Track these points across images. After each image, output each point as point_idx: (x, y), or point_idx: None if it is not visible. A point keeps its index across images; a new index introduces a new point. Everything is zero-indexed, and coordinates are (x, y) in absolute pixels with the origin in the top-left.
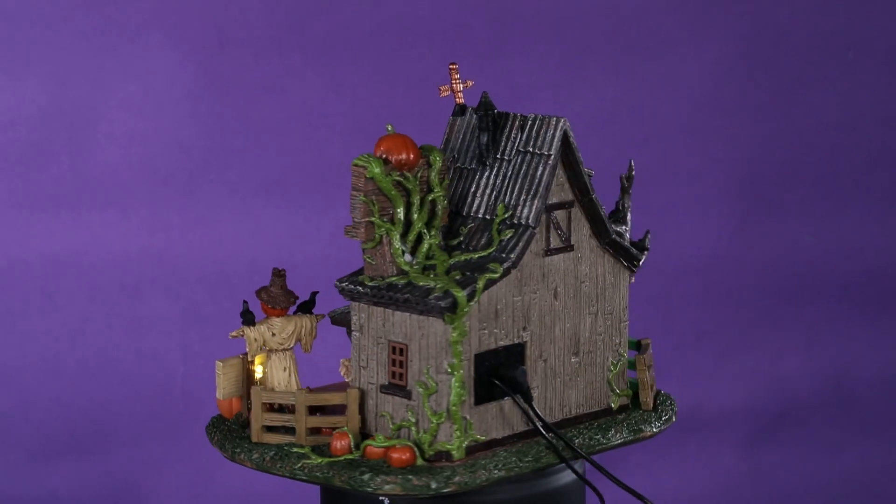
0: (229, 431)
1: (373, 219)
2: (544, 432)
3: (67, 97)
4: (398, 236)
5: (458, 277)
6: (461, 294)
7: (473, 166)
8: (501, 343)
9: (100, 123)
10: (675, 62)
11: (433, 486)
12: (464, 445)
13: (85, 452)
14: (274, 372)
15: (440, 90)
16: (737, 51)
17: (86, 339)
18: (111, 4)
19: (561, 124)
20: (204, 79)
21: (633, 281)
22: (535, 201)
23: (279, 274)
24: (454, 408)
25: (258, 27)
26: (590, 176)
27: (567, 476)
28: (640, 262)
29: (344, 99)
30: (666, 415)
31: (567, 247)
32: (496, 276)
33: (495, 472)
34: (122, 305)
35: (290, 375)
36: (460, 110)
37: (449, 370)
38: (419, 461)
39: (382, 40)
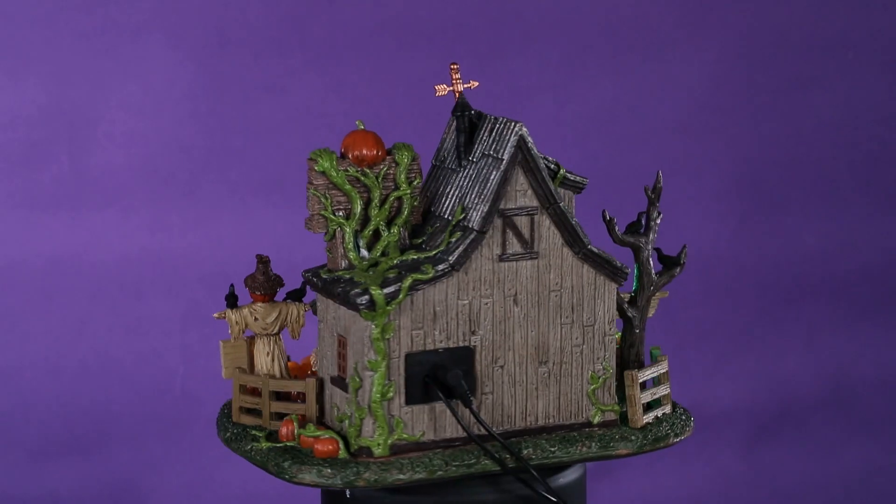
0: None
1: (324, 212)
2: (472, 436)
3: (67, 97)
4: (351, 231)
5: (390, 276)
6: (378, 292)
7: (454, 167)
8: (441, 345)
9: (100, 123)
10: (675, 62)
11: (339, 480)
12: (388, 443)
13: (85, 452)
14: (258, 356)
15: (436, 89)
16: (736, 51)
17: (86, 340)
18: (111, 4)
19: (516, 129)
20: (204, 79)
21: (666, 295)
22: (484, 205)
23: (263, 261)
24: (375, 404)
25: (258, 27)
26: (582, 187)
27: (567, 476)
28: (655, 277)
29: (344, 99)
30: (659, 435)
31: (529, 253)
32: (425, 277)
33: (416, 473)
34: (122, 305)
35: (272, 360)
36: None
37: (370, 367)
38: (342, 454)
39: (382, 40)
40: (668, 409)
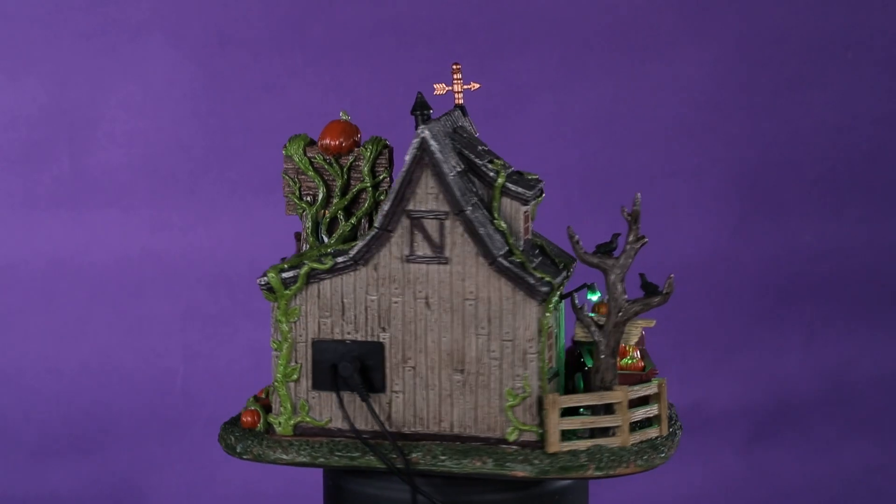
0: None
1: (291, 195)
2: (353, 429)
3: (67, 97)
4: (311, 216)
5: (300, 262)
6: (273, 275)
7: None
8: (349, 337)
9: (100, 123)
10: (675, 62)
11: (237, 449)
12: (290, 423)
13: (85, 452)
14: None
15: (435, 88)
16: (736, 51)
17: (86, 339)
18: (111, 4)
19: (419, 131)
20: (204, 79)
21: (651, 324)
22: (386, 204)
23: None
24: (278, 384)
25: (258, 27)
26: (525, 198)
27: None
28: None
29: (344, 99)
30: (570, 464)
31: (438, 258)
32: (322, 267)
33: (299, 456)
34: (122, 305)
35: None
36: (462, 110)
37: (273, 347)
38: (260, 427)
39: (382, 40)
40: (657, 432)
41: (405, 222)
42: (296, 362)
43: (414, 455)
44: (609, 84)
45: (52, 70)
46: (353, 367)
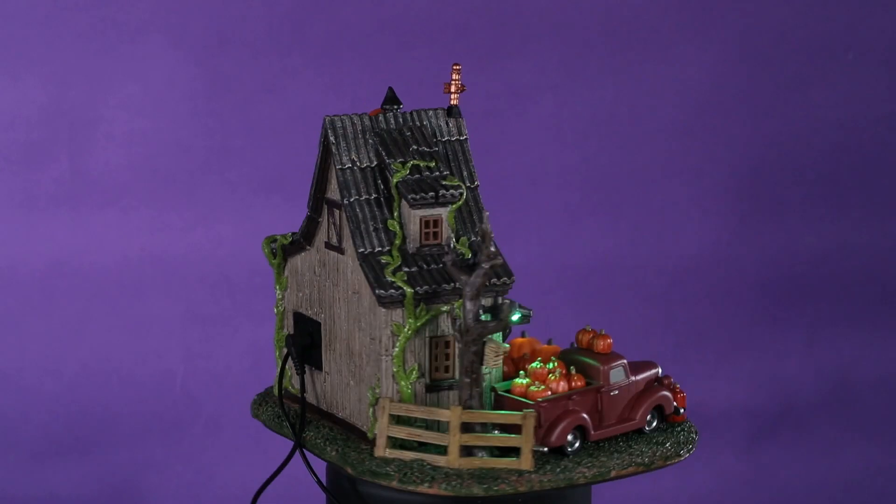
0: None
1: None
2: (280, 399)
3: (67, 97)
4: None
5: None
6: (265, 244)
7: None
8: (307, 313)
9: (100, 123)
10: (675, 62)
11: (253, 411)
12: (277, 386)
13: (85, 452)
14: None
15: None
16: (737, 51)
17: (86, 340)
18: (111, 4)
19: (324, 120)
20: (204, 79)
21: (506, 350)
22: (310, 190)
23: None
24: (274, 349)
25: (258, 27)
26: (412, 202)
27: None
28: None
29: (344, 99)
30: (375, 469)
31: (337, 247)
32: (285, 242)
33: (260, 416)
34: (122, 306)
35: None
36: (455, 111)
37: (275, 311)
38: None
39: (382, 40)
40: (512, 463)
41: (325, 208)
42: (284, 330)
43: (309, 434)
44: (609, 84)
45: (52, 70)
46: (293, 340)
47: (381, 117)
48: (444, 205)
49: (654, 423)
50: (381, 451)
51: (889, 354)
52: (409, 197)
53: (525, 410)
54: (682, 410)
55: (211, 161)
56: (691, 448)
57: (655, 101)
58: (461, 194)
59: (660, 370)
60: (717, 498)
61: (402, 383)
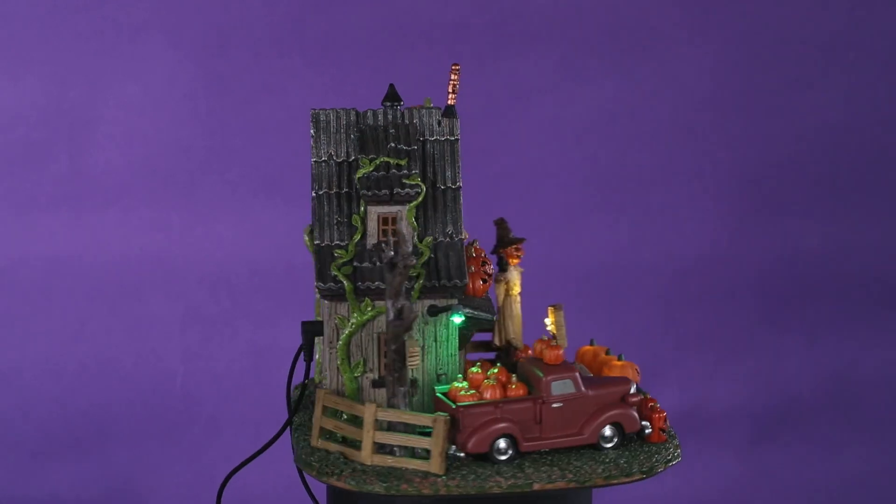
0: None
1: None
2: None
3: (67, 97)
4: None
5: None
6: (306, 232)
7: None
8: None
9: (100, 123)
10: (676, 62)
11: None
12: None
13: (85, 452)
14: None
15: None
16: (737, 51)
17: (86, 340)
18: (111, 4)
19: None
20: (204, 79)
21: (416, 352)
22: None
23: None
24: None
25: (258, 27)
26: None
27: None
28: None
29: (344, 99)
30: (301, 457)
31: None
32: None
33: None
34: (121, 306)
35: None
36: (450, 111)
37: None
38: None
39: (382, 40)
40: (420, 465)
41: None
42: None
43: (295, 420)
44: (609, 84)
45: (51, 70)
46: (305, 328)
47: (370, 113)
48: (400, 202)
49: (615, 441)
50: (315, 440)
51: (889, 354)
52: (362, 192)
53: (438, 414)
54: (662, 431)
55: (211, 161)
56: (655, 468)
57: (655, 101)
58: (418, 193)
59: (632, 388)
60: (718, 498)
61: (346, 376)
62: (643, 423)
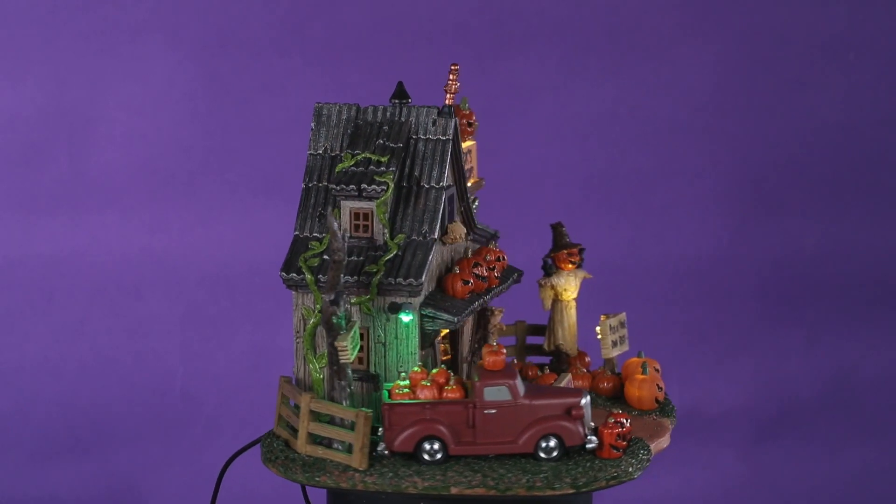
0: None
1: None
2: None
3: (67, 97)
4: None
5: None
6: None
7: None
8: None
9: (100, 123)
10: (676, 62)
11: None
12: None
13: (85, 452)
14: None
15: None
16: (737, 51)
17: (85, 340)
18: (111, 4)
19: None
20: (204, 79)
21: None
22: None
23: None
24: None
25: (258, 27)
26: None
27: None
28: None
29: (344, 99)
30: (266, 446)
31: None
32: None
33: None
34: (121, 306)
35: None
36: (447, 111)
37: None
38: None
39: (382, 40)
40: (345, 458)
41: None
42: None
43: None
44: (609, 84)
45: (51, 71)
46: None
47: (370, 109)
48: (368, 199)
49: (555, 453)
50: (276, 426)
51: (889, 354)
52: (331, 186)
53: (360, 409)
54: (614, 448)
55: (211, 161)
56: (592, 484)
57: (656, 101)
58: (384, 191)
59: (583, 401)
60: (718, 498)
61: (311, 366)
62: (590, 437)
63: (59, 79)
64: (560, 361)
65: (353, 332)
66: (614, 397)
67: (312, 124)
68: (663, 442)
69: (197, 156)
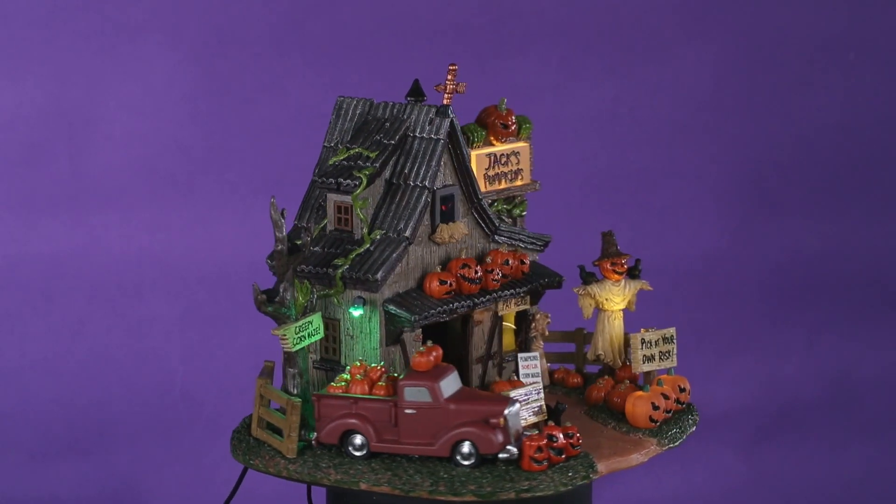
0: None
1: None
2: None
3: (67, 97)
4: None
5: None
6: None
7: None
8: None
9: (100, 123)
10: (676, 62)
11: None
12: None
13: (85, 452)
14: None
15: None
16: (737, 51)
17: (85, 340)
18: (111, 4)
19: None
20: (203, 79)
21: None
22: None
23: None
24: None
25: (258, 27)
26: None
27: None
28: None
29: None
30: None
31: None
32: None
33: None
34: (121, 305)
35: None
36: (442, 111)
37: None
38: None
39: (382, 40)
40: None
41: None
42: None
43: None
44: (609, 84)
45: (51, 70)
46: None
47: (381, 105)
48: (346, 193)
49: (472, 459)
50: (255, 427)
51: (889, 354)
52: (314, 178)
53: (290, 397)
54: (535, 461)
55: (211, 161)
56: (498, 494)
57: (656, 101)
58: (356, 185)
59: (506, 411)
60: (718, 498)
61: (301, 355)
62: (510, 447)
63: (59, 79)
64: (604, 372)
65: (302, 323)
66: (604, 408)
67: (332, 117)
68: (631, 460)
69: (197, 156)
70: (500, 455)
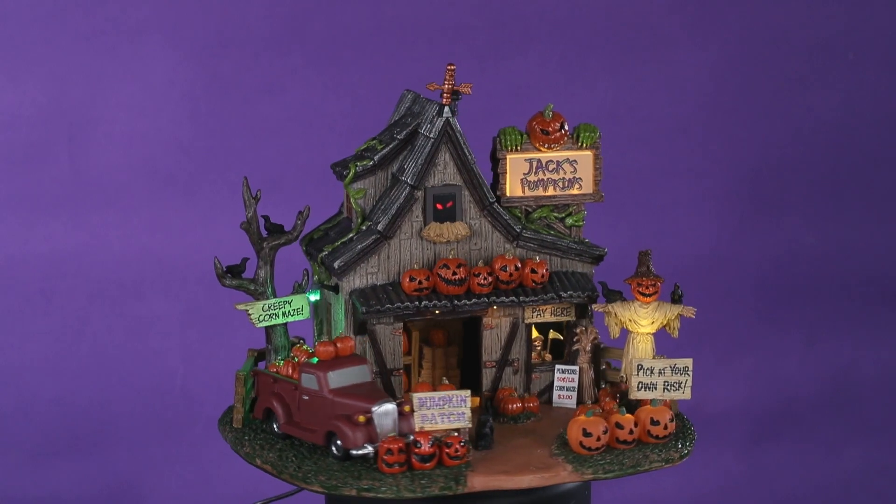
0: None
1: None
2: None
3: (67, 97)
4: None
5: None
6: None
7: None
8: None
9: (100, 123)
10: (676, 62)
11: None
12: None
13: (85, 452)
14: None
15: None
16: (737, 51)
17: (86, 339)
18: (111, 4)
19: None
20: (203, 79)
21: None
22: None
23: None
24: None
25: (258, 27)
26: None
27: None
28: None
29: (344, 99)
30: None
31: None
32: None
33: None
34: (122, 305)
35: None
36: (439, 110)
37: None
38: None
39: (382, 40)
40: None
41: None
42: None
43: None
44: (609, 84)
45: (51, 70)
46: None
47: (418, 100)
48: (340, 180)
49: (340, 452)
50: (238, 420)
51: (889, 354)
52: (331, 166)
53: (239, 371)
54: (387, 463)
55: (211, 161)
56: (341, 488)
57: (656, 101)
58: (345, 175)
59: (374, 408)
60: (717, 498)
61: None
62: (366, 445)
63: (59, 79)
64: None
65: (276, 301)
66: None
67: (394, 108)
68: (517, 481)
69: (197, 156)
70: (355, 452)
